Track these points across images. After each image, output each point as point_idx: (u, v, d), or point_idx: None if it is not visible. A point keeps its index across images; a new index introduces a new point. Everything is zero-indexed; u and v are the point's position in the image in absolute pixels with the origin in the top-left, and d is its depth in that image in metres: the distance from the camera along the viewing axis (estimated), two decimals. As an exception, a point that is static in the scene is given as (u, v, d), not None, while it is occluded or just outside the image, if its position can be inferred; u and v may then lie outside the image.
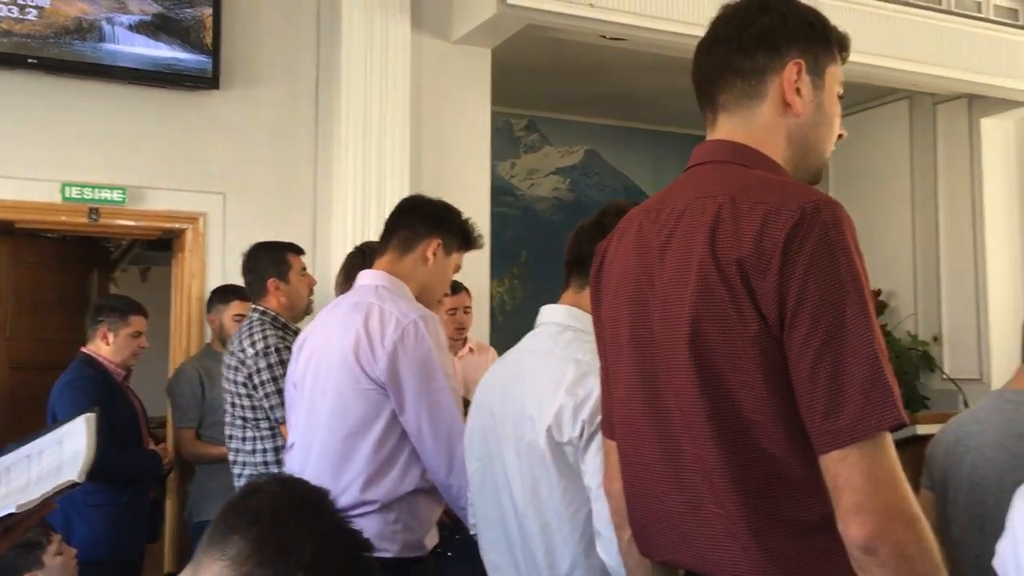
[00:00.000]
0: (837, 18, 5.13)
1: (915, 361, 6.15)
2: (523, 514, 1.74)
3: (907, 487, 1.15)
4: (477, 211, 4.57)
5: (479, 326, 4.70)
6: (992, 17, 5.73)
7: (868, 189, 6.73)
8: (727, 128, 1.36)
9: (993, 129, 6.01)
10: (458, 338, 4.59)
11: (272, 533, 1.21)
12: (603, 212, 1.79)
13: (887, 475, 1.13)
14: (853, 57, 5.31)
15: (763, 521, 1.20)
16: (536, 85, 6.48)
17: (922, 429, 3.35)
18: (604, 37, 4.69)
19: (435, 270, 2.32)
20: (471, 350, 4.56)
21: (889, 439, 1.15)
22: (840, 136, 1.40)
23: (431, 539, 2.24)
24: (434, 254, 2.31)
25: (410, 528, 2.15)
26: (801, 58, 1.33)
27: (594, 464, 1.59)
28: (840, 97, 1.39)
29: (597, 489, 1.58)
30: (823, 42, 1.36)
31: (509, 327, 5.94)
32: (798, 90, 1.33)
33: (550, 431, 1.66)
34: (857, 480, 1.12)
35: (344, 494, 2.08)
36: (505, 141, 7.11)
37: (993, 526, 1.75)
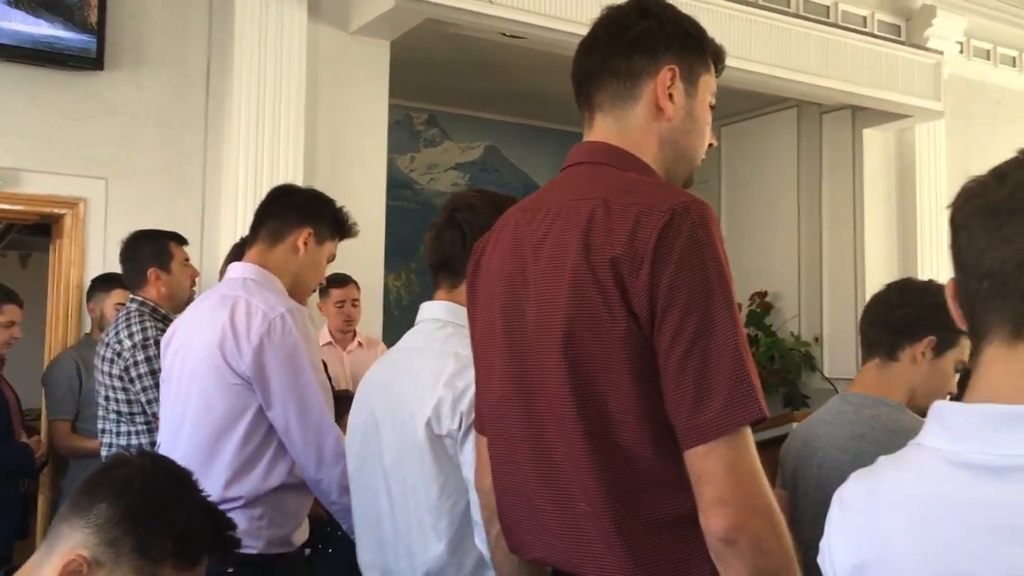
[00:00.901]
0: (732, 27, 5.30)
1: (797, 361, 6.38)
2: (399, 513, 1.73)
3: (765, 481, 1.19)
4: (372, 204, 4.54)
5: (371, 320, 4.66)
6: (876, 32, 5.99)
7: (758, 193, 6.94)
8: (602, 129, 1.38)
9: (874, 139, 6.28)
10: (347, 331, 4.54)
11: (144, 502, 1.24)
12: (453, 208, 1.80)
13: (748, 469, 1.17)
14: (747, 65, 5.49)
15: (628, 518, 1.23)
16: (437, 79, 6.45)
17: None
18: (504, 35, 4.71)
19: (307, 260, 2.27)
20: (360, 344, 4.52)
21: (750, 434, 1.19)
22: (711, 144, 1.43)
23: (300, 535, 2.20)
24: (305, 244, 2.26)
25: (276, 524, 2.12)
26: (676, 64, 1.36)
27: (472, 456, 1.60)
28: (712, 107, 1.42)
29: (473, 481, 1.59)
30: (698, 51, 1.40)
31: (406, 321, 5.88)
32: (671, 95, 1.35)
33: (429, 424, 1.66)
34: (720, 473, 1.16)
35: (208, 491, 2.03)
36: (405, 134, 7.06)
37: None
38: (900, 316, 1.89)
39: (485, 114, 7.30)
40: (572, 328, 1.23)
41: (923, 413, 1.95)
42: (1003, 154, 1.00)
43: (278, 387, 2.08)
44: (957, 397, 5.24)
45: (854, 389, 1.95)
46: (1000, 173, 0.97)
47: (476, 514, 1.61)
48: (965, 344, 1.90)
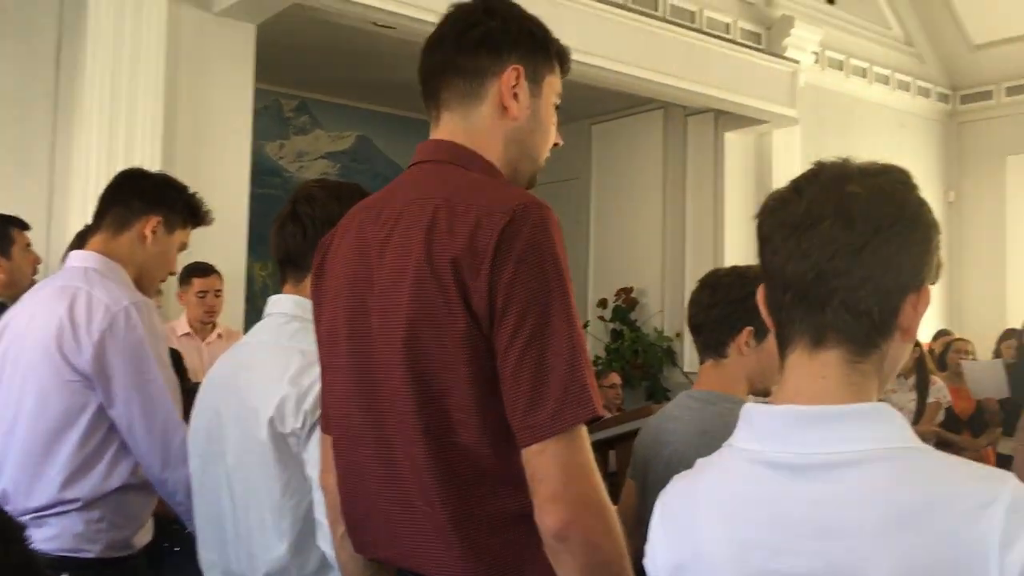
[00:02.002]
0: (602, 28, 5.39)
1: (660, 355, 6.58)
2: (241, 512, 1.69)
3: (599, 478, 1.22)
4: (236, 191, 4.42)
5: (233, 311, 4.53)
6: (738, 40, 6.21)
7: (625, 191, 7.11)
8: (448, 127, 1.39)
9: (735, 142, 6.52)
10: (207, 322, 4.40)
11: None
12: (294, 200, 1.77)
13: (581, 466, 1.19)
14: (615, 66, 5.59)
15: (466, 516, 1.24)
16: (308, 66, 6.32)
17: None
18: (376, 24, 4.66)
19: (155, 250, 2.16)
20: (220, 336, 4.39)
21: (585, 432, 1.22)
22: (556, 144, 1.45)
23: (142, 537, 2.12)
24: (153, 232, 2.15)
25: (116, 526, 2.03)
26: (521, 64, 1.37)
27: (315, 454, 1.57)
28: (557, 107, 1.44)
29: (318, 479, 1.57)
30: (543, 52, 1.41)
31: (270, 313, 5.77)
32: (516, 95, 1.36)
33: (272, 422, 1.63)
34: (554, 472, 1.18)
35: (42, 493, 1.94)
36: (274, 121, 6.89)
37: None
38: (715, 315, 1.96)
39: (357, 103, 7.21)
40: (414, 327, 1.23)
41: (766, 395, 2.04)
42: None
43: (121, 385, 1.99)
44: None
45: (698, 387, 2.02)
46: (797, 187, 1.02)
47: (319, 514, 1.59)
48: None
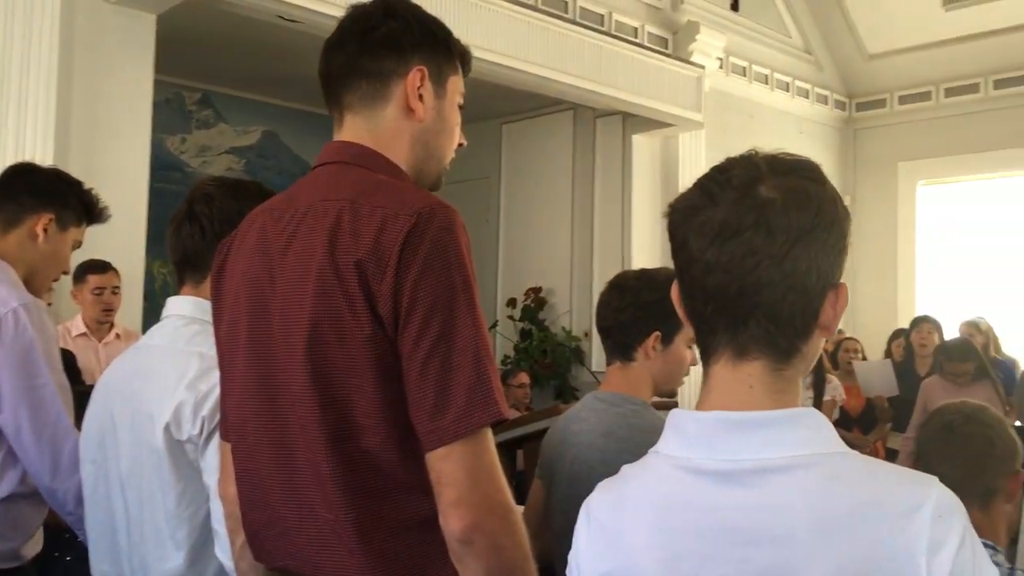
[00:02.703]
0: (512, 28, 5.39)
1: (568, 355, 6.63)
2: (135, 521, 1.63)
3: (504, 480, 1.22)
4: (134, 186, 4.26)
5: (131, 312, 4.38)
6: (646, 44, 6.31)
7: (535, 191, 7.15)
8: (352, 129, 1.37)
9: (642, 145, 6.63)
10: (104, 321, 4.26)
11: None
12: (191, 200, 1.72)
13: (486, 469, 1.19)
14: (525, 67, 5.58)
15: (370, 523, 1.23)
16: (212, 58, 6.16)
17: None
18: (281, 18, 4.57)
19: (47, 249, 2.07)
20: (118, 336, 4.25)
21: (490, 434, 1.22)
22: (460, 145, 1.45)
23: (31, 548, 2.03)
24: (44, 230, 2.06)
25: (3, 537, 1.94)
26: (424, 65, 1.36)
27: (213, 462, 1.54)
28: (461, 107, 1.44)
29: (215, 488, 1.53)
30: (446, 52, 1.41)
31: (171, 312, 5.59)
32: (421, 96, 1.36)
33: (168, 429, 1.58)
34: (459, 475, 1.17)
35: None
36: (175, 114, 6.70)
37: (586, 520, 1.91)
38: (624, 319, 1.98)
39: (263, 97, 7.07)
40: (317, 331, 1.22)
41: (671, 396, 2.08)
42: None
43: (9, 390, 1.90)
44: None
45: (604, 389, 2.04)
46: (708, 192, 1.00)
47: (217, 523, 1.55)
48: None
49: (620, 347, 2.00)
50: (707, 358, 1.02)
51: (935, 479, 0.92)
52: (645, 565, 0.98)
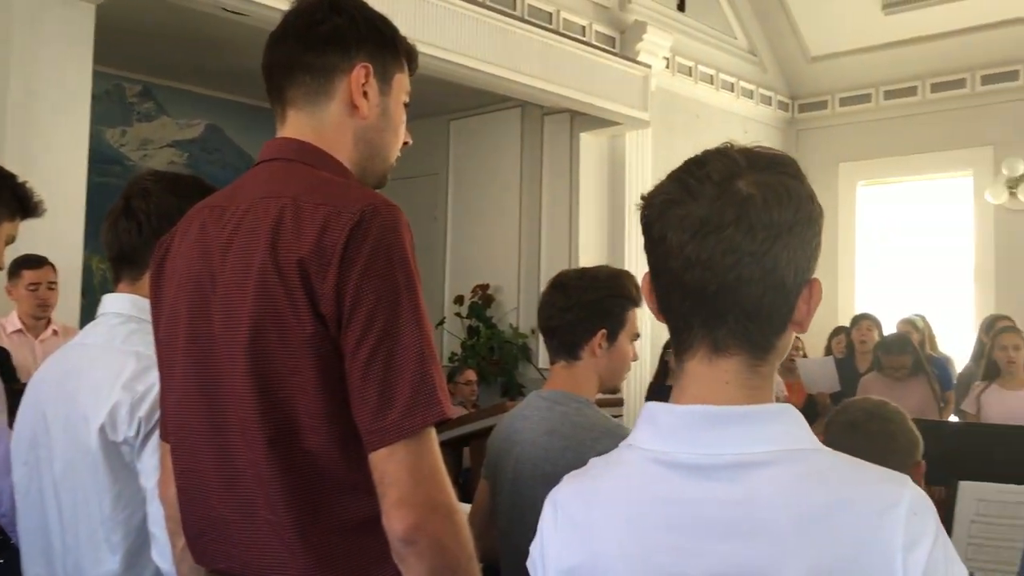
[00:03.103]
0: (461, 25, 5.37)
1: (515, 352, 6.64)
2: (69, 524, 1.59)
3: (447, 480, 1.21)
4: (72, 179, 4.16)
5: (69, 308, 4.28)
6: (593, 42, 6.34)
7: (483, 188, 7.15)
8: (296, 125, 1.35)
9: (590, 143, 6.66)
10: (41, 317, 4.16)
11: None
12: (127, 195, 1.68)
13: (429, 469, 1.18)
14: (473, 64, 5.57)
15: (313, 524, 1.21)
16: (153, 50, 6.04)
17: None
18: (226, 10, 4.49)
19: None
20: (55, 332, 4.16)
21: (433, 434, 1.21)
22: (406, 143, 1.44)
23: (-42, 553, 1.97)
24: None
25: None
26: (369, 62, 1.35)
27: (151, 464, 1.50)
28: (406, 105, 1.43)
29: (152, 490, 1.50)
30: (392, 50, 1.39)
31: (110, 308, 5.47)
32: (365, 93, 1.34)
33: (104, 430, 1.54)
34: (402, 475, 1.16)
35: None
36: (115, 106, 6.56)
37: (532, 517, 1.91)
38: (570, 318, 1.98)
39: (207, 90, 6.95)
40: (258, 330, 1.20)
41: (615, 392, 2.09)
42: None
43: None
44: (658, 383, 5.61)
45: (548, 387, 2.04)
46: (687, 186, 0.97)
47: (154, 526, 1.52)
48: (633, 317, 2.03)
49: (566, 346, 2.00)
50: (682, 353, 1.00)
51: (907, 478, 0.93)
52: (617, 561, 0.96)
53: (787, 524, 0.89)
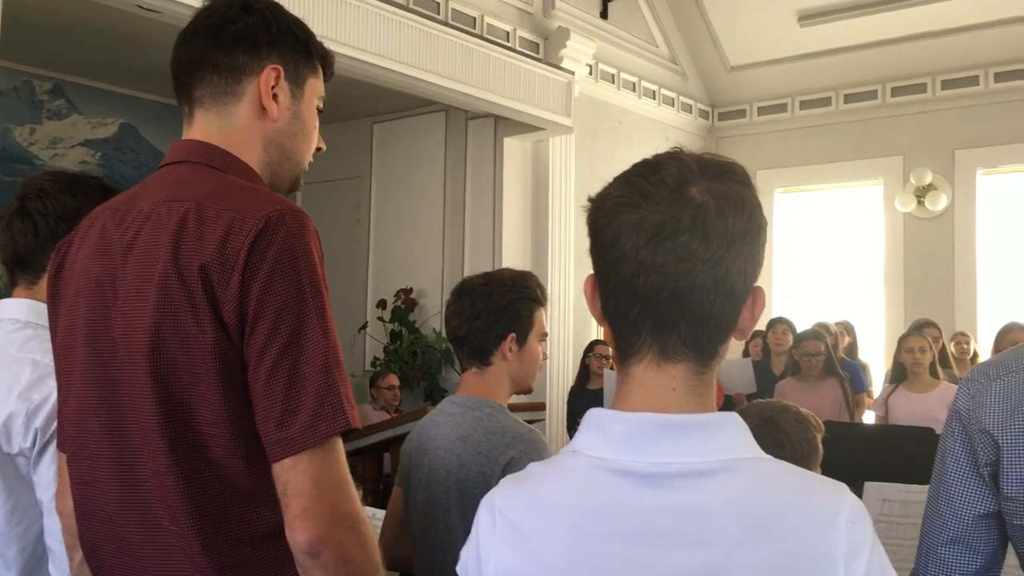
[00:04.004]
0: (383, 27, 5.31)
1: (438, 357, 6.61)
2: None
3: (353, 491, 1.20)
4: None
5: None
6: (517, 48, 6.36)
7: (407, 191, 7.10)
8: (203, 126, 1.32)
9: (513, 148, 6.67)
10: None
11: None
12: (22, 196, 1.63)
13: (335, 480, 1.17)
14: (396, 66, 5.53)
15: (216, 535, 1.19)
16: (65, 46, 5.85)
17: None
18: (140, 7, 4.38)
19: None
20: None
21: (339, 444, 1.19)
22: (319, 148, 1.41)
23: None
24: None
25: None
26: (280, 64, 1.33)
27: (47, 476, 1.46)
28: (320, 110, 1.40)
29: (49, 503, 1.45)
30: (305, 53, 1.37)
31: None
32: (276, 96, 1.32)
33: None
34: (306, 486, 1.14)
35: None
36: (24, 103, 6.33)
37: (445, 522, 1.91)
38: (479, 325, 1.97)
39: (121, 89, 6.76)
40: (159, 337, 1.17)
41: (527, 393, 2.10)
42: (623, 167, 1.00)
43: None
44: (579, 386, 5.64)
45: (461, 393, 2.04)
46: (639, 189, 0.96)
47: (51, 540, 1.47)
48: (540, 317, 2.03)
49: (477, 353, 2.00)
50: (627, 358, 0.99)
51: (845, 486, 0.95)
52: (559, 568, 0.94)
53: (736, 532, 0.90)
